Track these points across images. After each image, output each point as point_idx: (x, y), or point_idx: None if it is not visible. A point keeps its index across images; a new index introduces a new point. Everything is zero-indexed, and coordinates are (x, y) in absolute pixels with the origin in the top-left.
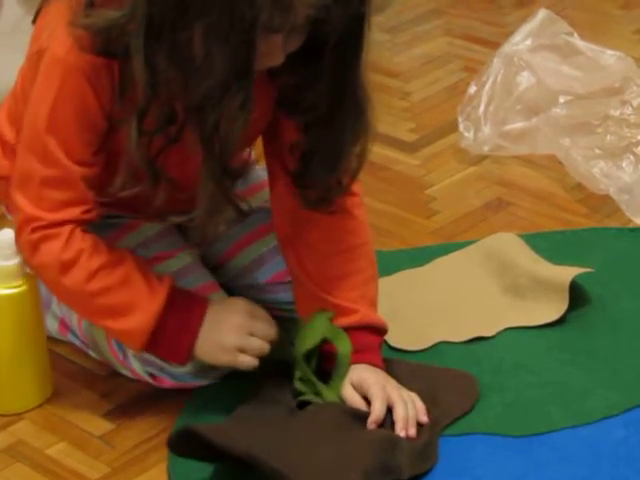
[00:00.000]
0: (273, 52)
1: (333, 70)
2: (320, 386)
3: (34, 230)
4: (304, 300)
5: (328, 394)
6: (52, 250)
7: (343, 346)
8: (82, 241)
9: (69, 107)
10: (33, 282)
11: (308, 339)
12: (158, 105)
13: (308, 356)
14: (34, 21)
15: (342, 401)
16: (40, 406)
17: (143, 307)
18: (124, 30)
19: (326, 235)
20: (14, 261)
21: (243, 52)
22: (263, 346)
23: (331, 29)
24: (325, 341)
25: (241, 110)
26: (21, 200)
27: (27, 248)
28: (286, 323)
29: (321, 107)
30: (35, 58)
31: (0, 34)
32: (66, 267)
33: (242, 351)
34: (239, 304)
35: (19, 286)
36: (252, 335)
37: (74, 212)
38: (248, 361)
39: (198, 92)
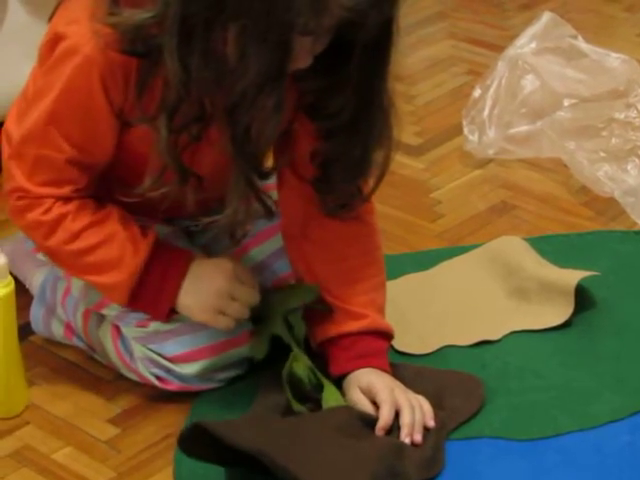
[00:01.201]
0: (301, 54)
1: (360, 75)
2: (296, 350)
3: (20, 198)
4: None
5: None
6: (35, 215)
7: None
8: (65, 206)
9: (74, 98)
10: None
11: (290, 301)
12: (188, 103)
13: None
14: (50, 19)
15: (344, 399)
16: (46, 410)
17: (125, 263)
18: (153, 30)
19: (337, 241)
20: (0, 261)
21: (278, 54)
22: (243, 311)
23: (362, 33)
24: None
25: (274, 111)
26: (15, 170)
27: (13, 213)
28: None
29: (346, 113)
30: (50, 45)
31: (7, 39)
32: (50, 230)
33: (221, 313)
34: (224, 265)
35: (7, 285)
36: (234, 299)
37: (63, 191)
38: (225, 322)
39: (232, 93)
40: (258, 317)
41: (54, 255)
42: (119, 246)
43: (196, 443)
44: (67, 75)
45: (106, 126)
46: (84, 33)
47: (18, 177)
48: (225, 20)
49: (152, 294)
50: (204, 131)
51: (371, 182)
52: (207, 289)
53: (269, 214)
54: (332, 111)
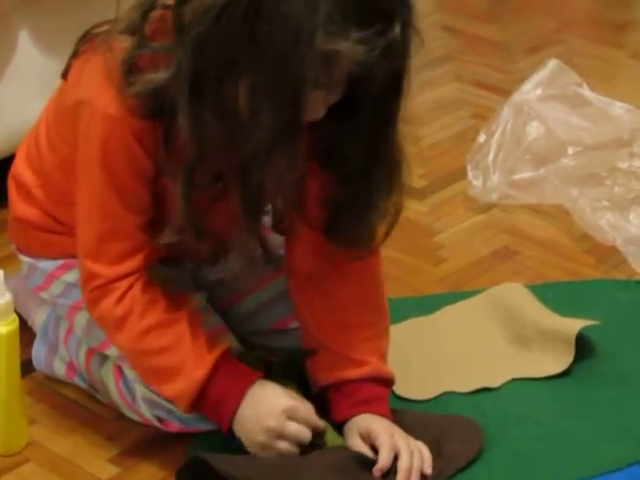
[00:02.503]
0: (314, 107)
1: (371, 123)
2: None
3: (93, 290)
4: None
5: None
6: (107, 305)
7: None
8: (137, 294)
9: (119, 158)
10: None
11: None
12: (206, 163)
13: None
14: (63, 76)
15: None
16: (46, 448)
17: (185, 375)
18: (171, 90)
19: (341, 288)
20: (6, 298)
21: (290, 109)
22: (290, 449)
23: (373, 84)
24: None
25: (289, 169)
26: (82, 259)
27: (89, 305)
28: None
29: (356, 160)
30: (72, 111)
31: (16, 75)
32: (119, 323)
33: (268, 449)
34: (279, 403)
35: (12, 322)
36: (282, 438)
37: (136, 261)
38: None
39: (244, 151)
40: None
41: (126, 352)
42: (183, 355)
43: (195, 474)
44: (100, 140)
45: (150, 175)
46: (104, 95)
47: (87, 264)
48: (237, 76)
49: (211, 412)
50: (224, 191)
51: (381, 231)
52: (256, 425)
53: (275, 271)
54: (342, 158)
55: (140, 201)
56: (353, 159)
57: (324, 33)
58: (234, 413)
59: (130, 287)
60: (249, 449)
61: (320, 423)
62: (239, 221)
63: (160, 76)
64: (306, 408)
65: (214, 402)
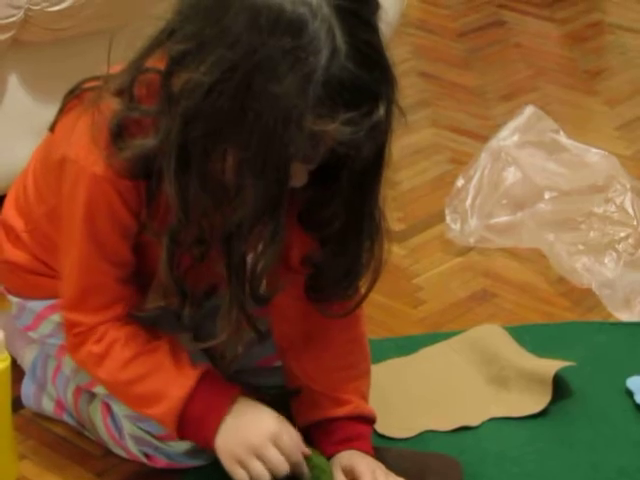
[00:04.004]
0: (297, 176)
1: (351, 189)
2: None
3: (75, 335)
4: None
5: None
6: (88, 346)
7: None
8: (116, 332)
9: (102, 215)
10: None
11: None
12: (189, 226)
13: None
14: (51, 129)
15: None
16: None
17: (170, 396)
18: (155, 156)
19: (324, 333)
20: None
21: (276, 185)
22: (264, 475)
23: (357, 159)
24: None
25: (272, 241)
26: (64, 310)
27: (70, 348)
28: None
29: (336, 225)
30: (57, 165)
31: (5, 118)
32: (100, 360)
33: (243, 467)
34: (266, 421)
35: (4, 360)
36: (260, 459)
37: (116, 311)
38: (241, 477)
39: (229, 222)
40: None
41: (109, 386)
42: (165, 378)
43: None
44: (84, 197)
45: (132, 230)
46: (89, 153)
47: (69, 315)
48: (224, 150)
49: (194, 430)
50: (206, 252)
51: (362, 288)
52: (239, 438)
53: (261, 339)
54: (322, 221)
55: (122, 256)
56: (333, 222)
57: (313, 115)
58: (218, 425)
59: (107, 329)
60: (223, 461)
61: (306, 449)
62: (223, 287)
63: (149, 142)
64: (292, 434)
65: (197, 416)
